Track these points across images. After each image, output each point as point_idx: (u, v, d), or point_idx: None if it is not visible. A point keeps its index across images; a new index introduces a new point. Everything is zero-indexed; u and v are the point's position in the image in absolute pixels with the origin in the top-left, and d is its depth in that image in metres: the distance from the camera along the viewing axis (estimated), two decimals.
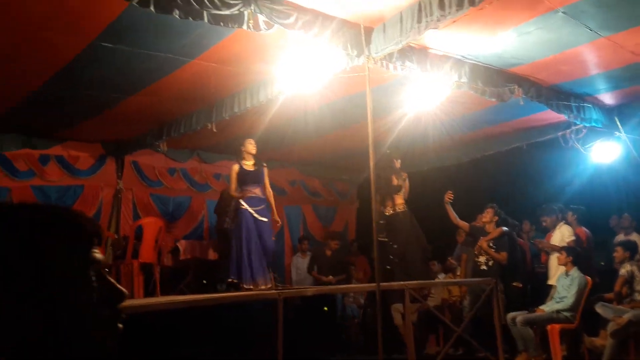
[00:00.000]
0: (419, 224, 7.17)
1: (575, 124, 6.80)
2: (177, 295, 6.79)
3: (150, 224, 7.14)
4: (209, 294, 6.28)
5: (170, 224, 8.50)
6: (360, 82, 4.84)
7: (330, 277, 8.10)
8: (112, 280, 0.91)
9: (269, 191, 6.39)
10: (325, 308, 7.80)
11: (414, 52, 4.81)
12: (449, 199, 7.01)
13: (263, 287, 5.96)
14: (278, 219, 6.44)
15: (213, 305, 5.69)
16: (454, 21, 4.11)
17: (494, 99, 5.64)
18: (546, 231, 7.30)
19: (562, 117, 6.41)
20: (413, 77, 5.22)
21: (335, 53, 4.63)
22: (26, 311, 0.80)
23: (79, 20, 4.22)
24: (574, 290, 5.93)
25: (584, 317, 5.93)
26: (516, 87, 5.51)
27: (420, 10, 4.02)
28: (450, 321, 6.64)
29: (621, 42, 4.91)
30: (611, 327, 5.33)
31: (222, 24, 3.88)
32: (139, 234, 6.96)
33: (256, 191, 6.19)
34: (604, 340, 5.69)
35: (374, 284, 5.02)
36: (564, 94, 6.13)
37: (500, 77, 5.46)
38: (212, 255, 7.86)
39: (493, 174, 8.59)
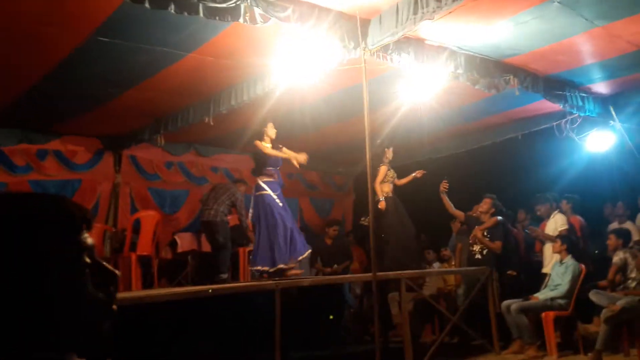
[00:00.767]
0: (407, 211, 7.10)
1: (571, 114, 6.85)
2: (175, 288, 6.83)
3: (148, 217, 7.17)
4: (206, 286, 6.32)
5: (168, 217, 8.53)
6: (356, 74, 4.87)
7: (335, 266, 8.01)
8: (105, 263, 0.93)
9: None
10: (331, 317, 7.68)
11: (410, 44, 4.84)
12: (445, 188, 7.05)
13: (294, 268, 5.92)
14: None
15: (213, 297, 5.74)
16: (450, 12, 4.13)
17: (489, 90, 5.68)
18: (541, 220, 7.36)
19: (557, 106, 6.45)
20: (409, 69, 5.24)
21: (332, 45, 4.65)
22: (24, 297, 0.83)
23: (75, 15, 4.23)
24: (568, 278, 6.00)
25: (578, 304, 6.00)
26: (512, 77, 5.55)
27: (416, 1, 4.04)
28: (446, 310, 6.71)
29: (617, 31, 4.94)
30: (604, 313, 5.40)
31: (217, 17, 3.89)
32: (136, 227, 6.99)
33: (275, 175, 6.03)
34: (597, 327, 5.77)
35: (370, 274, 5.08)
36: (559, 84, 6.17)
37: (496, 68, 5.49)
38: (209, 247, 7.90)
39: (489, 164, 8.65)
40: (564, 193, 7.50)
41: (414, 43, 4.89)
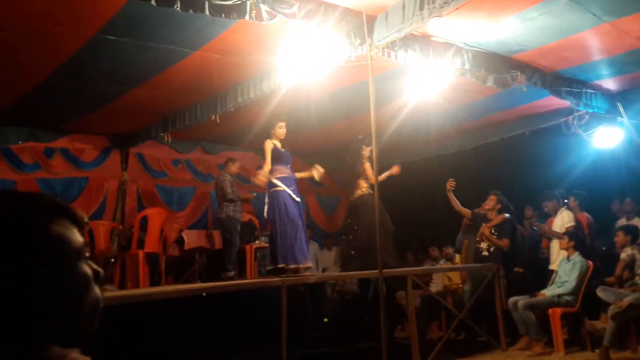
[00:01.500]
0: (413, 208, 7.00)
1: (578, 110, 6.81)
2: (183, 284, 6.86)
3: (155, 215, 7.21)
4: (214, 282, 6.34)
5: (175, 214, 8.57)
6: (362, 71, 4.86)
7: None
8: (90, 262, 0.95)
9: None
10: (325, 319, 7.57)
11: (417, 40, 4.82)
12: (451, 186, 7.03)
13: (308, 267, 5.89)
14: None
15: (219, 294, 5.76)
16: (457, 8, 4.11)
17: (496, 86, 5.66)
18: (547, 217, 7.34)
19: (565, 103, 6.42)
20: (415, 65, 5.23)
21: (338, 42, 4.64)
22: (29, 291, 0.84)
23: (82, 12, 4.24)
24: (575, 274, 5.98)
25: (585, 301, 5.98)
26: (519, 73, 5.52)
27: None
28: (452, 306, 6.70)
29: (625, 27, 4.91)
30: (612, 310, 5.37)
31: (223, 15, 3.88)
32: (144, 224, 7.02)
33: (289, 171, 5.95)
34: (604, 324, 5.75)
35: (376, 271, 5.08)
36: (567, 80, 6.13)
37: (503, 64, 5.46)
38: (216, 244, 7.93)
39: (496, 161, 8.62)
40: (572, 190, 7.47)
41: (420, 39, 4.87)
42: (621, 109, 6.80)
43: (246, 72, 5.66)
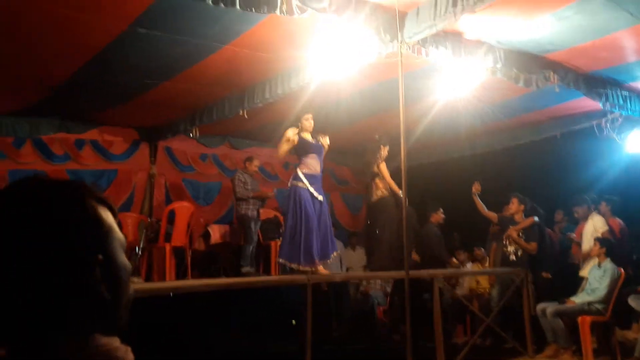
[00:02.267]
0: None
1: (612, 113, 6.64)
2: (208, 279, 6.90)
3: (183, 209, 7.26)
4: (239, 278, 6.37)
5: (202, 208, 8.63)
6: (392, 68, 4.80)
7: None
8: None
9: None
10: (294, 321, 7.07)
11: (448, 37, 4.75)
12: (477, 190, 6.92)
13: (323, 270, 5.72)
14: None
15: (243, 289, 5.78)
16: (491, 5, 4.03)
17: (528, 86, 5.54)
18: (577, 222, 7.18)
19: (597, 105, 6.25)
20: (446, 63, 5.15)
21: (368, 38, 4.60)
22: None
23: (115, 4, 4.28)
24: (606, 281, 5.83)
25: (617, 309, 5.83)
26: (552, 73, 5.39)
27: None
28: (478, 311, 6.60)
29: None
30: None
31: (253, 9, 3.87)
32: (171, 218, 7.08)
33: (317, 167, 5.82)
34: (636, 334, 5.60)
35: (402, 272, 5.02)
36: (601, 81, 5.97)
37: (535, 63, 5.34)
38: (241, 240, 7.95)
39: (525, 162, 8.46)
40: (603, 194, 7.29)
41: (452, 37, 4.80)
42: None
43: (275, 68, 5.65)
